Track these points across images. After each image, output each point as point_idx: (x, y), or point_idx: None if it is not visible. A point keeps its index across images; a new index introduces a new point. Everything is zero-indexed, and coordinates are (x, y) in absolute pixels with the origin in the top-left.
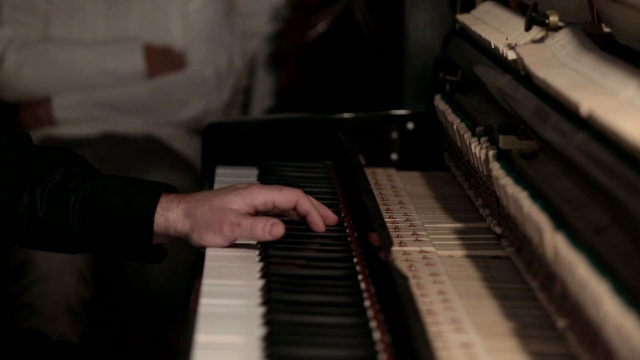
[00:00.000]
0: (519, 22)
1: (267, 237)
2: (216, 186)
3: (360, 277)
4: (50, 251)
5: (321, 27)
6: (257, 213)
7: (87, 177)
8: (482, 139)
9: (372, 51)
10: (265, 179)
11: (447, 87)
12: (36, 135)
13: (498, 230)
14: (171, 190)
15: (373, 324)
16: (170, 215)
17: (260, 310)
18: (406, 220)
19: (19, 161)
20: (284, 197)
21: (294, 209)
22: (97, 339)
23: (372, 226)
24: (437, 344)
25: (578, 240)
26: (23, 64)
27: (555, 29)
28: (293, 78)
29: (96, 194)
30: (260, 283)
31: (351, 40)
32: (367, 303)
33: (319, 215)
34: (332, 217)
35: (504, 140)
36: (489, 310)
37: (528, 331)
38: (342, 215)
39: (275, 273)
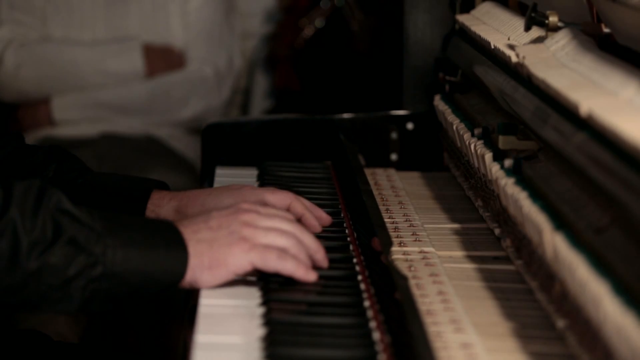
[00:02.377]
0: (518, 23)
1: None
2: (215, 187)
3: (359, 277)
4: None
5: (311, 28)
6: None
7: (79, 174)
8: (481, 139)
9: (363, 48)
10: (265, 179)
11: (447, 87)
12: (36, 135)
13: (498, 230)
14: (163, 187)
15: (373, 324)
16: (161, 211)
17: (260, 310)
18: (406, 221)
19: (11, 159)
20: (276, 200)
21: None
22: (97, 339)
23: (372, 226)
24: (437, 344)
25: (578, 241)
26: (22, 64)
27: (555, 29)
28: (287, 80)
29: (87, 191)
30: (259, 283)
31: (342, 39)
32: (366, 303)
33: (313, 217)
34: (325, 218)
35: (503, 141)
36: (489, 310)
37: (528, 331)
38: (342, 215)
39: (276, 273)
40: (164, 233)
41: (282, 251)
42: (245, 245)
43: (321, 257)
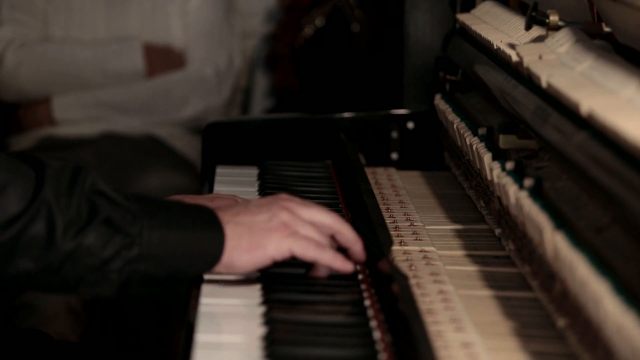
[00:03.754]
0: (519, 22)
1: None
2: (216, 185)
3: (360, 276)
4: None
5: (312, 27)
6: None
7: None
8: (482, 138)
9: (363, 47)
10: (266, 179)
11: (447, 86)
12: (36, 135)
13: (498, 229)
14: None
15: (373, 323)
16: None
17: (261, 309)
18: (406, 220)
19: None
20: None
21: None
22: (98, 339)
23: (372, 226)
24: (437, 343)
25: (578, 240)
26: (22, 64)
27: (556, 28)
28: (287, 80)
29: None
30: (260, 282)
31: (343, 38)
32: (367, 302)
33: None
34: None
35: (504, 140)
36: (489, 309)
37: (528, 330)
38: (343, 214)
39: (275, 273)
40: (201, 215)
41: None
42: (286, 231)
43: (359, 249)
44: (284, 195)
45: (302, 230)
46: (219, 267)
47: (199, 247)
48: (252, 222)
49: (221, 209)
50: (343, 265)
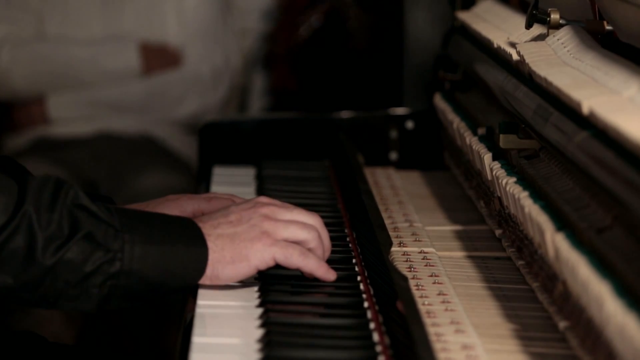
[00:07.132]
0: (519, 20)
1: None
2: (213, 186)
3: (359, 277)
4: None
5: (309, 27)
6: None
7: None
8: (482, 138)
9: (361, 45)
10: (263, 179)
11: (447, 85)
12: (31, 134)
13: (498, 230)
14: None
15: (372, 325)
16: None
17: (258, 311)
18: (405, 221)
19: None
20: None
21: None
22: (93, 341)
23: (371, 226)
24: (437, 345)
25: (579, 241)
26: (17, 63)
27: (557, 26)
28: (284, 80)
29: None
30: (257, 284)
31: (341, 37)
32: (366, 304)
33: None
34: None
35: (504, 140)
36: (490, 311)
37: (529, 333)
38: (341, 215)
39: (273, 274)
40: (183, 229)
41: (304, 246)
42: (268, 240)
43: (327, 256)
44: (263, 199)
45: (285, 233)
46: (204, 280)
47: (182, 261)
48: (234, 233)
49: (202, 220)
50: (326, 273)
